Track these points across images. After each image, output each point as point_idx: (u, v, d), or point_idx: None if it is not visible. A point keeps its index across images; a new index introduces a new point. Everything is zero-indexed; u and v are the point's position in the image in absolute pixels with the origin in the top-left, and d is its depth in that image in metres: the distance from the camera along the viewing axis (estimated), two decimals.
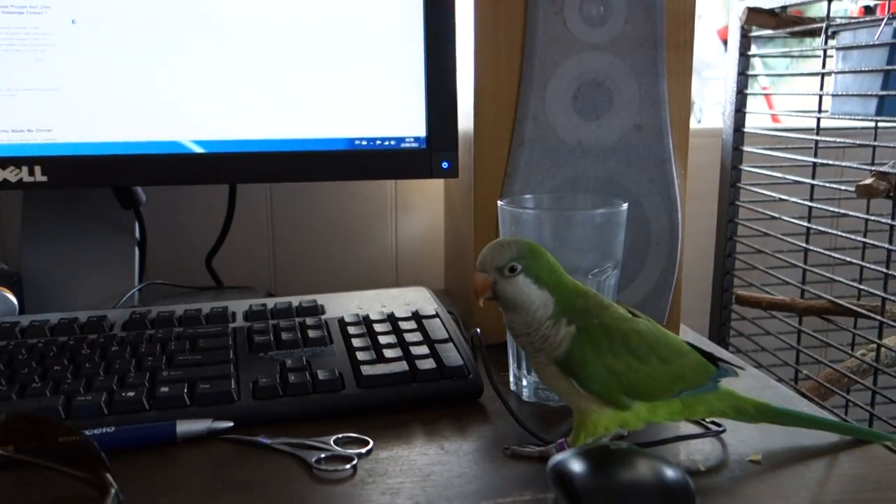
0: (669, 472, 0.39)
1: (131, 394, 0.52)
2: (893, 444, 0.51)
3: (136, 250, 0.80)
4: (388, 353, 0.59)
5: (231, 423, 0.51)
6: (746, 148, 0.97)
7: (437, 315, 0.65)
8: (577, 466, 0.41)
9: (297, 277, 0.95)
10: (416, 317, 0.64)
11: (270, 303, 0.67)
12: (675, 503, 0.38)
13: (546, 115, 0.66)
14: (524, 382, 0.58)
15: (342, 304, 0.67)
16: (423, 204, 0.96)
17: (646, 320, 0.48)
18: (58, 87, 0.64)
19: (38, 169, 0.63)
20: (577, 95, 0.66)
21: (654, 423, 0.48)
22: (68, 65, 0.64)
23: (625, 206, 0.56)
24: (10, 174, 0.63)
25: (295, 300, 0.67)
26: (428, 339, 0.61)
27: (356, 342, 0.60)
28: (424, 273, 0.97)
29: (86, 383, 0.53)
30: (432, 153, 0.69)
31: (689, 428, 0.53)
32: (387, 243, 0.97)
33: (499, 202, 0.58)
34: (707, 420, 0.53)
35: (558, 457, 0.43)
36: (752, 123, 0.99)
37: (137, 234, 0.80)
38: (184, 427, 0.49)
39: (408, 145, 0.69)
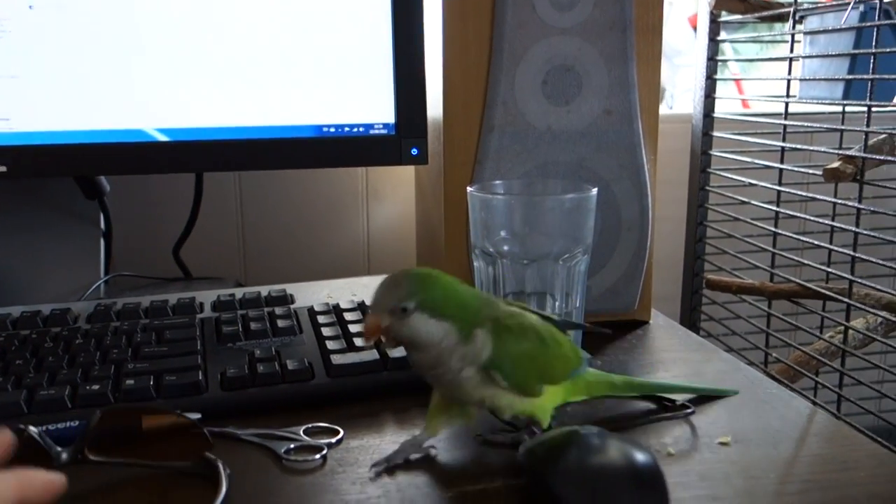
0: (640, 456, 0.39)
1: (96, 387, 0.51)
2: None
3: (102, 241, 0.78)
4: (358, 341, 0.58)
5: (199, 415, 0.50)
6: (716, 133, 0.97)
7: None
8: (547, 452, 0.41)
9: (267, 267, 0.94)
10: None
11: (239, 293, 0.66)
12: (646, 487, 0.38)
13: (515, 101, 0.65)
14: None
15: (312, 294, 0.67)
16: (394, 191, 0.95)
17: (535, 314, 0.49)
18: (15, 75, 0.62)
19: None
20: (547, 80, 0.65)
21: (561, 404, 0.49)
22: (26, 51, 0.62)
23: (594, 190, 0.56)
24: None
25: (264, 290, 0.67)
26: None
27: (326, 331, 0.59)
28: (396, 261, 0.96)
29: (49, 377, 0.52)
30: (401, 139, 0.69)
31: (659, 409, 0.53)
32: (358, 231, 0.96)
33: (468, 188, 0.57)
34: (678, 402, 0.53)
35: (529, 442, 0.43)
36: (723, 109, 1.00)
37: (102, 225, 0.79)
38: (149, 421, 0.48)
39: (377, 132, 0.69)
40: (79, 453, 0.43)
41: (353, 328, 0.60)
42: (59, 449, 0.43)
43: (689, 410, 0.52)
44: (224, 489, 0.42)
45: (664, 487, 0.38)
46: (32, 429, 0.43)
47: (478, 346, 0.43)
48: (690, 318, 1.01)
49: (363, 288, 0.68)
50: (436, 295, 0.43)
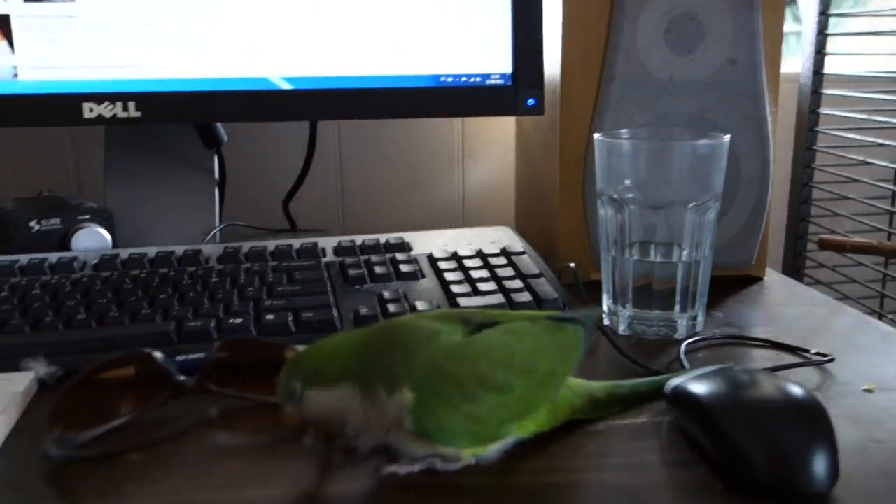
0: (798, 391, 0.39)
1: (239, 320, 0.53)
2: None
3: (216, 191, 0.81)
4: (482, 286, 0.59)
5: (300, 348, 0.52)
6: (827, 91, 0.95)
7: (525, 252, 0.65)
8: (699, 387, 0.41)
9: (364, 220, 0.96)
10: (505, 253, 0.64)
11: (359, 239, 0.67)
12: (809, 419, 0.37)
13: (637, 50, 0.64)
14: (619, 316, 0.58)
15: (428, 242, 0.68)
16: (490, 150, 0.96)
17: (486, 319, 0.40)
18: (149, 23, 0.64)
19: (131, 104, 0.64)
20: (670, 29, 0.64)
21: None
22: (159, 0, 0.64)
23: (727, 137, 0.55)
24: (104, 109, 0.63)
25: (382, 237, 0.68)
26: (521, 274, 0.61)
27: (449, 276, 0.60)
28: (492, 218, 0.97)
29: (193, 311, 0.54)
30: (518, 90, 0.69)
31: (791, 359, 0.52)
32: (453, 189, 0.97)
33: (595, 135, 0.57)
34: (812, 351, 0.53)
35: (676, 379, 0.43)
36: (837, 67, 0.97)
37: (217, 175, 0.81)
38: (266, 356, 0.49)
39: (493, 82, 0.69)
40: (200, 383, 0.45)
41: (474, 274, 0.60)
42: (182, 378, 0.45)
43: (826, 357, 0.51)
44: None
45: (829, 421, 0.37)
46: (157, 354, 0.45)
47: (388, 415, 0.36)
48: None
49: (476, 237, 0.69)
50: (318, 365, 0.37)
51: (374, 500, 0.37)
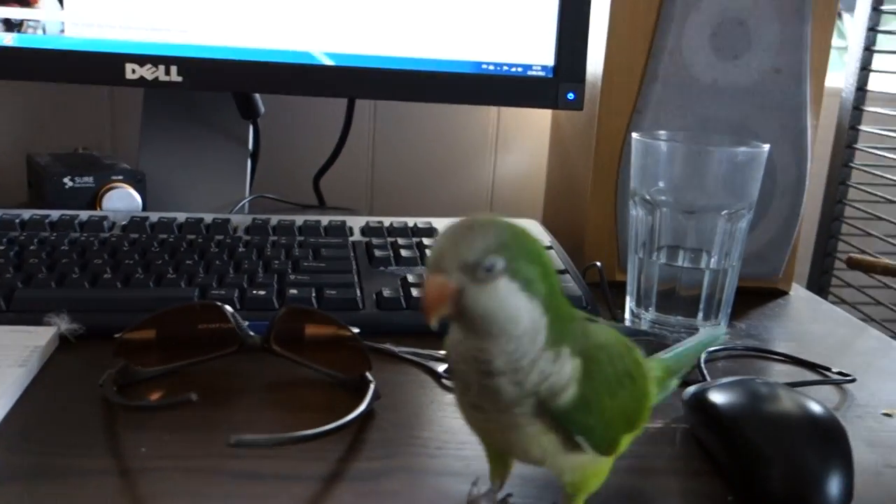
0: (818, 408, 0.39)
1: (262, 292, 0.53)
2: None
3: (249, 162, 0.81)
4: None
5: (357, 330, 0.52)
6: (869, 108, 0.93)
7: (551, 247, 0.65)
8: (718, 396, 0.41)
9: (392, 203, 0.95)
10: None
11: (387, 221, 0.67)
12: (828, 437, 0.37)
13: (682, 52, 0.64)
14: (642, 318, 0.58)
15: None
16: (524, 142, 0.95)
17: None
18: None
19: (174, 69, 0.64)
20: (717, 32, 0.64)
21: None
22: None
23: (766, 147, 0.54)
24: (146, 72, 0.64)
25: (410, 221, 0.68)
26: None
27: None
28: (520, 210, 0.96)
29: (217, 279, 0.55)
30: (559, 83, 0.68)
31: (812, 376, 0.52)
32: (484, 178, 0.96)
33: (633, 134, 0.57)
34: (834, 370, 0.52)
35: (696, 387, 0.43)
36: (880, 84, 0.95)
37: (251, 146, 0.81)
38: (323, 329, 0.50)
39: (534, 73, 0.68)
40: (265, 342, 0.45)
41: None
42: (251, 334, 0.45)
43: (848, 378, 0.51)
44: (363, 408, 0.41)
45: (847, 441, 0.37)
46: (228, 308, 0.45)
47: (561, 376, 0.30)
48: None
49: None
50: (533, 258, 0.29)
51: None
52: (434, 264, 0.28)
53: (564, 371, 0.30)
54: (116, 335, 0.45)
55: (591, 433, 0.31)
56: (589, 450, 0.31)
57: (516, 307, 0.28)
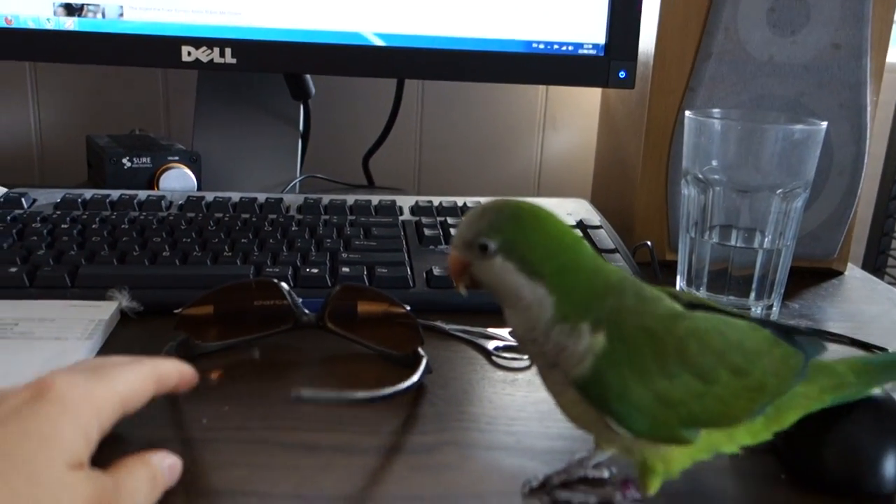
0: (875, 389, 0.38)
1: (315, 270, 0.54)
2: None
3: (300, 142, 0.82)
4: None
5: (408, 307, 0.53)
6: None
7: (601, 226, 0.65)
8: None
9: (439, 182, 0.96)
10: (582, 226, 0.64)
11: (436, 200, 0.67)
12: (884, 418, 0.36)
13: (738, 28, 0.63)
14: None
15: None
16: (572, 121, 0.94)
17: (707, 310, 0.34)
18: None
19: (228, 51, 0.65)
20: (774, 7, 0.62)
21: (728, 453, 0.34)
22: None
23: (824, 124, 0.53)
24: (202, 54, 0.65)
25: (459, 200, 0.68)
26: (596, 248, 0.60)
27: None
28: (566, 190, 0.96)
29: (272, 257, 0.56)
30: (610, 61, 0.68)
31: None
32: (531, 157, 0.96)
33: (686, 112, 0.56)
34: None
35: None
36: None
37: (302, 127, 0.82)
38: (376, 307, 0.51)
39: (585, 52, 0.68)
40: (320, 319, 0.46)
41: None
42: (306, 311, 0.46)
43: None
44: (416, 378, 0.41)
45: None
46: (284, 286, 0.46)
47: (578, 348, 0.31)
48: None
49: (553, 208, 0.68)
50: (532, 240, 0.31)
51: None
52: (452, 241, 0.33)
53: (581, 344, 0.31)
54: (177, 310, 0.46)
55: (620, 416, 0.31)
56: (617, 426, 0.31)
57: (515, 284, 0.31)
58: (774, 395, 0.33)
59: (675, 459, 0.32)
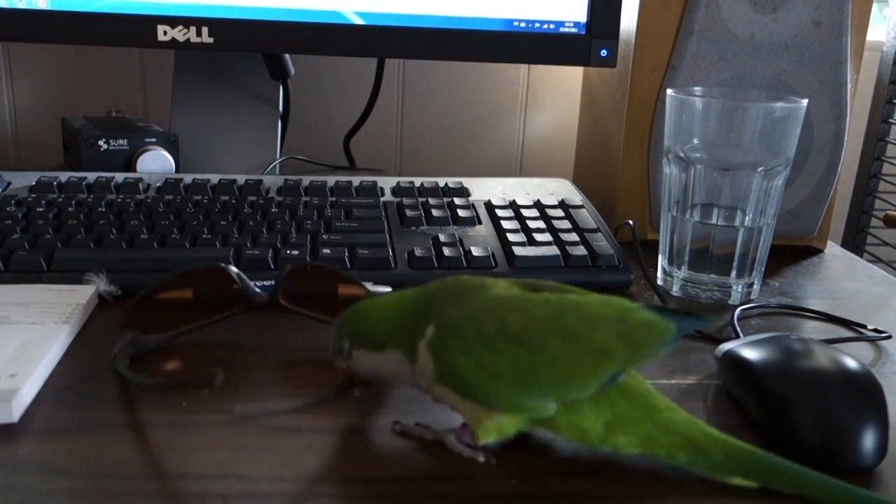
0: (851, 362, 0.38)
1: (296, 252, 0.54)
2: None
3: (279, 123, 0.81)
4: (538, 237, 0.59)
5: (390, 289, 0.52)
6: None
7: (583, 206, 0.64)
8: (752, 353, 0.41)
9: (421, 163, 0.95)
10: (564, 206, 0.64)
11: (418, 181, 0.67)
12: (862, 392, 0.37)
13: (719, 5, 0.62)
14: (673, 277, 0.58)
15: (487, 189, 0.67)
16: (555, 100, 0.94)
17: (555, 290, 0.37)
18: None
19: (205, 30, 0.64)
20: None
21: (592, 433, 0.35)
22: None
23: (805, 102, 0.53)
24: (178, 33, 0.64)
25: (441, 181, 0.68)
26: (577, 228, 0.60)
27: (506, 224, 0.60)
28: (549, 169, 0.96)
29: (251, 239, 0.55)
30: (592, 39, 0.67)
31: (846, 333, 0.51)
32: (513, 137, 0.96)
33: (668, 90, 0.56)
34: (869, 327, 0.52)
35: (729, 344, 0.43)
36: None
37: (281, 108, 0.81)
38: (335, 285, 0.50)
39: (567, 30, 0.67)
40: (273, 297, 0.46)
41: (531, 224, 0.60)
42: (258, 290, 0.46)
43: (884, 335, 0.50)
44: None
45: (882, 396, 0.37)
46: (233, 269, 0.46)
47: (423, 362, 0.35)
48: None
49: (536, 188, 0.68)
50: (366, 327, 0.38)
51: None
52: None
53: (424, 360, 0.35)
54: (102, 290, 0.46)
55: (460, 389, 0.34)
56: (454, 396, 0.35)
57: (374, 366, 0.38)
58: (627, 362, 0.34)
59: (506, 425, 0.35)
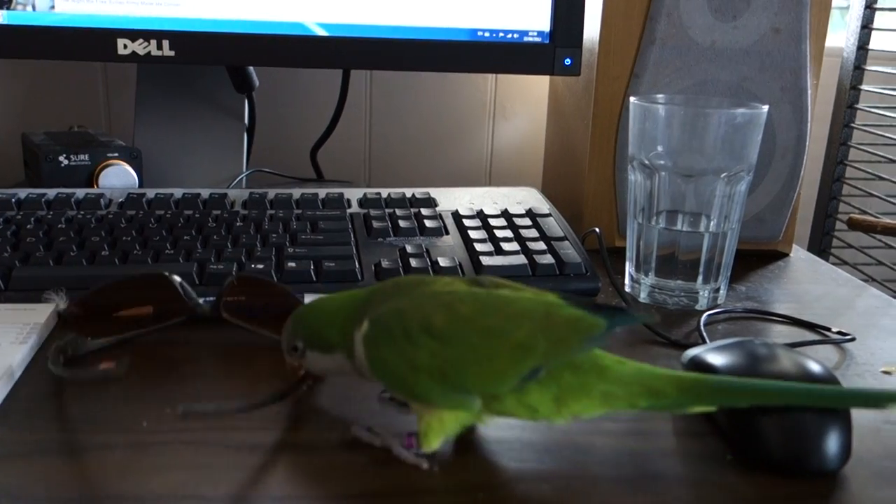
0: (816, 367, 0.39)
1: (260, 266, 0.53)
2: None
3: (245, 136, 0.81)
4: (505, 246, 0.58)
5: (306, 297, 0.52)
6: (870, 67, 0.92)
7: (550, 214, 0.65)
8: (716, 358, 0.41)
9: (389, 174, 0.95)
10: (531, 214, 0.64)
11: (384, 192, 0.67)
12: None
13: (680, 13, 0.63)
14: (641, 284, 0.58)
15: (454, 199, 0.67)
16: (522, 109, 0.94)
17: (502, 286, 0.38)
18: None
19: (166, 43, 0.63)
20: None
21: (525, 418, 0.36)
22: None
23: (765, 108, 0.54)
24: (138, 47, 0.63)
25: (408, 191, 0.67)
26: (545, 236, 0.60)
27: (473, 234, 0.60)
28: (518, 178, 0.96)
29: (216, 254, 0.55)
30: (556, 49, 0.67)
31: (811, 336, 0.52)
32: (482, 147, 0.96)
33: (631, 98, 0.56)
34: (833, 329, 0.52)
35: (695, 350, 0.43)
36: (882, 43, 0.94)
37: (247, 121, 0.81)
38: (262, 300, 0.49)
39: (531, 39, 0.68)
40: (214, 309, 0.46)
41: (498, 233, 0.60)
42: (200, 302, 0.46)
43: (847, 337, 0.51)
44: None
45: None
46: (176, 278, 0.46)
47: (358, 356, 0.37)
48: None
49: (503, 197, 0.68)
50: (317, 329, 0.38)
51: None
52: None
53: (358, 355, 0.37)
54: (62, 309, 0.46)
55: (387, 382, 0.36)
56: (390, 389, 0.37)
57: (325, 366, 0.39)
58: (548, 357, 0.34)
59: (447, 420, 0.35)
